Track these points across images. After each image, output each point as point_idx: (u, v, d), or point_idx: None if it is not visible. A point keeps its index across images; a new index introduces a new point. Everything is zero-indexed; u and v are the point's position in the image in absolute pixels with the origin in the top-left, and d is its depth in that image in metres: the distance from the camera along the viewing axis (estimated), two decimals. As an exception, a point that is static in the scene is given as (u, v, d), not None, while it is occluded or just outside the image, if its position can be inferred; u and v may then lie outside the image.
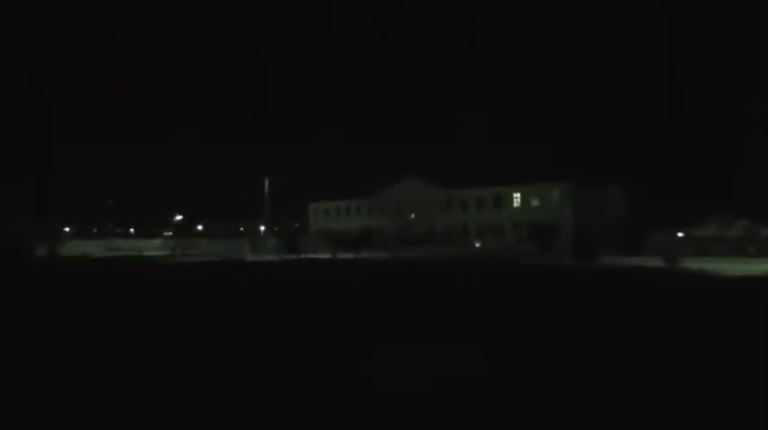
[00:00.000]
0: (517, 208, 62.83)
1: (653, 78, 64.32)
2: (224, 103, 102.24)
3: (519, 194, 62.75)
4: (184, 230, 74.81)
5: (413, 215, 69.78)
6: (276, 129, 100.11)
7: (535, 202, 61.53)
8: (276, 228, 72.48)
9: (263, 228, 72.10)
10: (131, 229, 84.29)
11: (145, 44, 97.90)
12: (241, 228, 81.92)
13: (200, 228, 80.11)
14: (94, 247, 52.56)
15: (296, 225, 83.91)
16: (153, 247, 54.52)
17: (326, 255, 41.27)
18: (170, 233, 72.36)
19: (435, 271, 20.90)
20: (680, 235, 31.07)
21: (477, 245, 61.62)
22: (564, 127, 63.91)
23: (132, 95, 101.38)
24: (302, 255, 41.97)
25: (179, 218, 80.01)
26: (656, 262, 24.89)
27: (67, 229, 70.92)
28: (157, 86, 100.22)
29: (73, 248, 50.81)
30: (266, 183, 51.23)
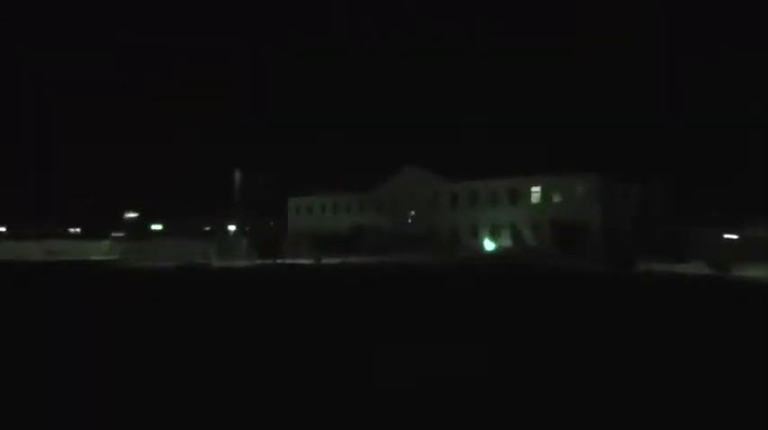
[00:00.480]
0: (536, 204, 63.01)
1: (653, 78, 67.64)
2: (224, 103, 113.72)
3: (539, 188, 62.90)
4: (139, 230, 74.67)
5: (412, 212, 69.93)
6: (276, 129, 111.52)
7: (557, 198, 61.67)
8: (248, 228, 72.38)
9: (232, 227, 71.90)
10: (76, 229, 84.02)
11: (145, 44, 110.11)
12: (207, 228, 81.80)
13: (157, 227, 79.97)
14: (31, 250, 52.37)
15: (271, 224, 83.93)
16: (101, 251, 54.39)
17: (308, 260, 41.37)
18: (120, 234, 72.13)
19: (439, 281, 20.84)
20: (729, 236, 31.16)
21: (490, 246, 61.81)
22: (564, 127, 65.04)
23: (132, 95, 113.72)
24: (279, 260, 41.99)
25: (131, 215, 79.83)
26: (700, 268, 25.05)
27: (2, 229, 70.68)
28: (157, 86, 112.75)
29: (4, 251, 50.64)
30: (236, 175, 51.08)
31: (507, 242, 62.03)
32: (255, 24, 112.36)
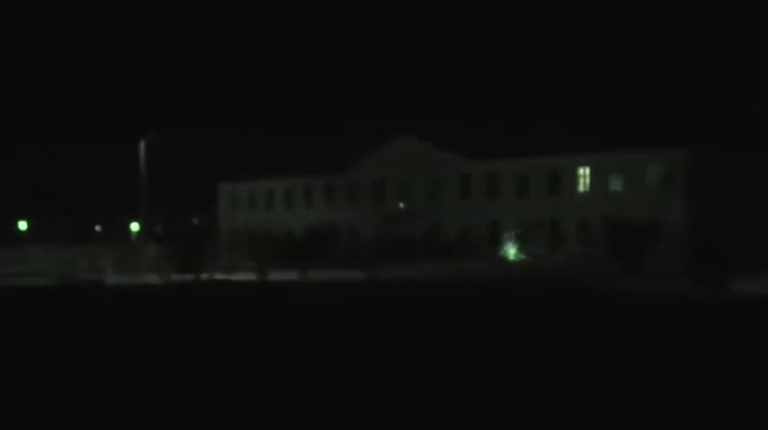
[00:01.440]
0: (584, 193, 62.71)
1: (653, 78, 77.14)
2: (224, 103, 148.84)
3: (588, 169, 62.66)
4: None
5: (401, 204, 69.46)
6: (276, 128, 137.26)
7: (617, 183, 61.41)
8: (159, 229, 71.26)
9: (135, 227, 71.08)
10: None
11: (145, 44, 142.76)
12: (97, 228, 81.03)
13: (22, 227, 78.89)
14: None
15: (195, 221, 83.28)
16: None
17: (248, 275, 41.02)
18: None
19: (448, 322, 20.28)
20: None
21: (517, 254, 61.39)
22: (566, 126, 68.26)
23: (132, 95, 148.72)
24: (206, 275, 41.55)
25: None
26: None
27: None
28: (158, 86, 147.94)
29: None
30: (141, 147, 49.95)
31: (541, 249, 61.67)
32: (255, 24, 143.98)
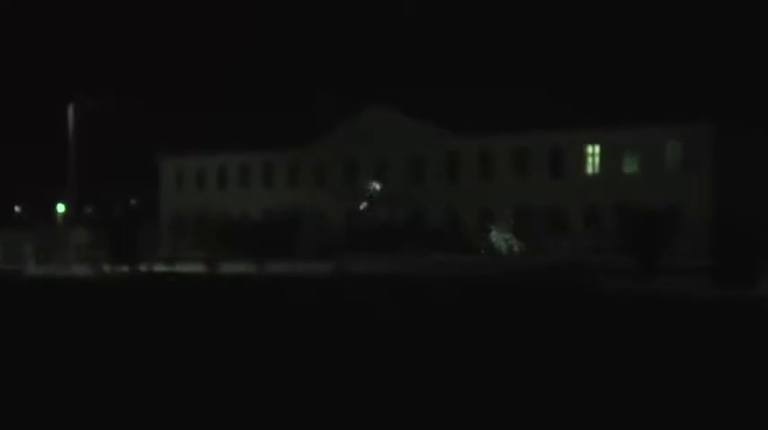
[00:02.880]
0: (593, 175, 62.94)
1: (673, 43, 76.50)
2: (170, 66, 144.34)
3: (598, 146, 62.81)
4: None
5: (375, 185, 69.23)
6: (231, 96, 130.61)
7: (631, 164, 61.66)
8: (89, 211, 71.02)
9: (62, 208, 70.46)
10: None
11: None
12: (17, 208, 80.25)
13: None
14: None
15: (132, 203, 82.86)
16: None
17: (196, 267, 40.92)
18: None
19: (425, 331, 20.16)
20: None
21: (509, 245, 61.36)
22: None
23: (59, 55, 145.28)
24: (143, 267, 41.40)
25: None
26: None
27: None
28: (92, 44, 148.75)
29: None
30: (69, 113, 49.47)
31: (542, 242, 61.77)
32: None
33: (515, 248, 60.92)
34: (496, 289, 27.63)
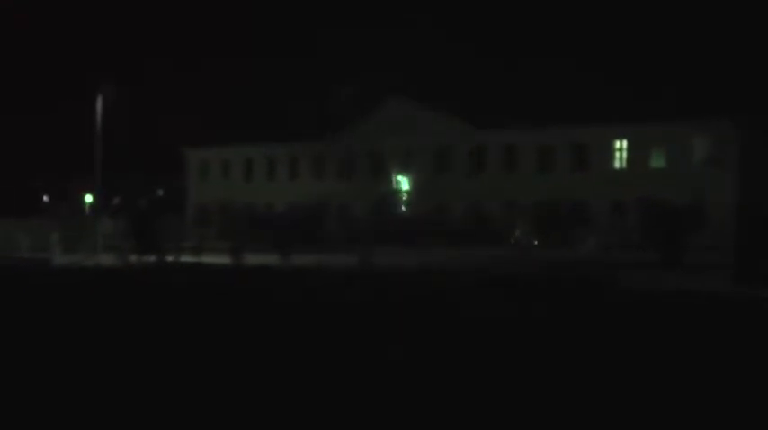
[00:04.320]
0: (620, 170, 62.74)
1: (701, 37, 74.55)
2: (196, 56, 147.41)
3: (625, 141, 62.62)
4: None
5: (399, 185, 69.21)
6: (256, 87, 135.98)
7: (658, 160, 61.43)
8: (117, 201, 71.23)
9: (90, 199, 70.77)
10: None
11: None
12: (45, 198, 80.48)
13: None
14: None
15: (159, 193, 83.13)
16: None
17: (221, 258, 40.93)
18: None
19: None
20: None
21: (527, 239, 61.10)
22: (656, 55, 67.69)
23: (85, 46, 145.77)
24: (170, 257, 41.53)
25: None
26: None
27: None
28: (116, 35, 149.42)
29: None
30: (98, 104, 49.64)
31: (567, 235, 61.55)
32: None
33: (535, 242, 60.69)
34: (506, 282, 27.47)
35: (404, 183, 69.29)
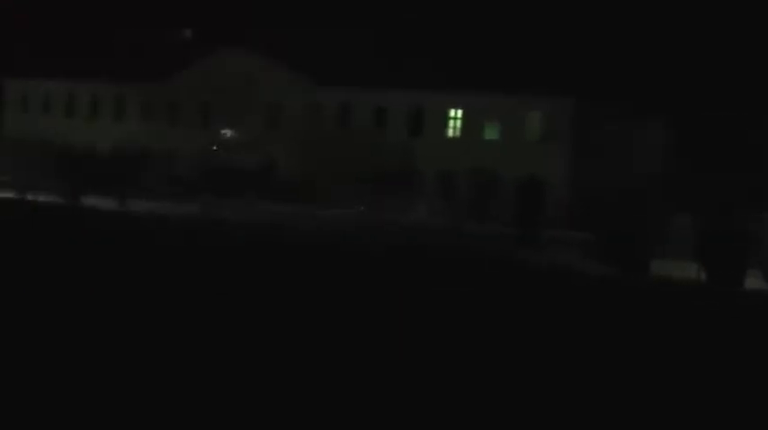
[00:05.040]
0: (453, 138, 63.00)
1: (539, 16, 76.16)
2: None
3: (460, 111, 62.83)
4: None
5: (226, 132, 67.72)
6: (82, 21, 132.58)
7: (491, 132, 61.96)
8: None
9: None
10: None
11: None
12: None
13: None
14: None
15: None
16: None
17: (51, 197, 39.29)
18: None
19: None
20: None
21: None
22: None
23: None
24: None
25: None
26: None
27: None
28: None
29: None
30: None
31: (394, 202, 61.28)
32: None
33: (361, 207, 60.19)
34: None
35: (232, 135, 67.88)
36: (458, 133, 63.29)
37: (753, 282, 25.16)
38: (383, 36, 67.91)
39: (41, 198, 39.16)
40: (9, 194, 40.44)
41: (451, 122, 63.60)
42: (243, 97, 68.09)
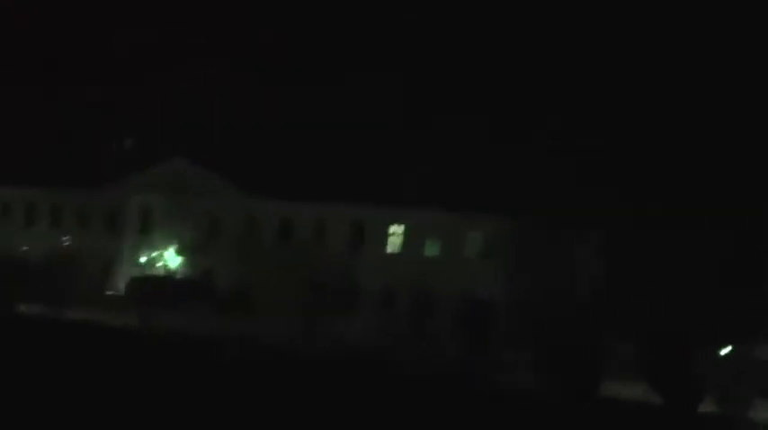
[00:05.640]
0: (394, 254, 62.91)
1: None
2: None
3: (403, 227, 62.90)
4: None
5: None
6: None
7: (433, 249, 62.01)
8: None
9: None
10: None
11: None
12: None
13: None
14: None
15: None
16: None
17: None
18: None
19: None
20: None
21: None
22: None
23: None
24: None
25: None
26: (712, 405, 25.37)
27: None
28: None
29: None
30: None
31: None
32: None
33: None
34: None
35: (170, 246, 67.38)
36: (399, 248, 63.30)
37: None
38: (326, 148, 68.25)
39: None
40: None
41: (393, 238, 63.66)
42: (181, 206, 67.68)
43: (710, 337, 30.83)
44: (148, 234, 68.31)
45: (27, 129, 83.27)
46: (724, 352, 32.36)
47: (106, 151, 73.37)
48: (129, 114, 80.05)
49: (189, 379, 19.59)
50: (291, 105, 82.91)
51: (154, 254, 67.36)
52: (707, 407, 25.71)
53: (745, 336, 33.52)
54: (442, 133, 72.23)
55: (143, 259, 67.46)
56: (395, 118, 78.07)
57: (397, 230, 63.52)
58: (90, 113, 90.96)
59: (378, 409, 17.70)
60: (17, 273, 49.09)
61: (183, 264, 66.91)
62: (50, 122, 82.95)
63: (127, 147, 72.67)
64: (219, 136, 72.62)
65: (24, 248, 66.20)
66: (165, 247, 67.38)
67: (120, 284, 65.80)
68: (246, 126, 77.00)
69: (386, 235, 63.81)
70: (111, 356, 23.37)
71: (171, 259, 67.43)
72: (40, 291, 44.52)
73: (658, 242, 61.16)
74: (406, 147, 68.32)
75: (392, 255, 63.32)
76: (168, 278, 65.05)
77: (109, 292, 63.03)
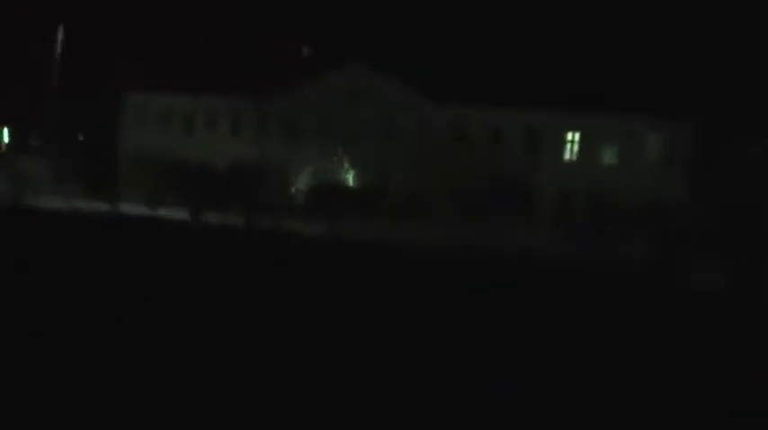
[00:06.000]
0: (569, 162, 62.49)
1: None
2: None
3: (578, 133, 62.33)
4: None
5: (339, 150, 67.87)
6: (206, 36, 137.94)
7: (609, 155, 61.34)
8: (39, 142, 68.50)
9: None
10: None
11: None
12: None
13: None
14: None
15: (80, 137, 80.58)
16: None
17: (175, 212, 39.99)
18: None
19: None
20: None
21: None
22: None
23: None
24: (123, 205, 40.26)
25: None
26: None
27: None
28: None
29: None
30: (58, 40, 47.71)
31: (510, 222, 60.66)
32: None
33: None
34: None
35: (346, 155, 68.04)
36: (575, 154, 62.73)
37: None
38: (501, 56, 67.52)
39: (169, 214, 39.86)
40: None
41: (569, 145, 63.11)
42: (359, 113, 68.23)
43: None
44: (325, 142, 68.87)
45: (204, 40, 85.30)
46: None
47: (286, 58, 74.08)
48: (305, 22, 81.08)
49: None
50: (464, 10, 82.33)
51: (331, 163, 68.01)
52: None
53: None
54: (618, 37, 70.68)
55: (320, 167, 68.13)
56: (569, 24, 76.79)
57: (573, 137, 62.91)
58: (268, 20, 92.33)
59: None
60: (204, 182, 50.65)
61: (360, 172, 67.51)
62: (229, 31, 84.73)
63: (305, 54, 73.24)
64: (397, 42, 72.67)
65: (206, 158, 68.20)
66: (343, 155, 67.98)
67: (297, 193, 66.89)
68: (423, 31, 76.97)
69: (562, 142, 63.25)
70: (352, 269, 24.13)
71: (348, 167, 68.12)
72: (226, 200, 45.83)
73: None
74: (580, 52, 67.28)
75: (566, 162, 62.85)
76: (346, 186, 65.97)
77: (286, 201, 64.16)
